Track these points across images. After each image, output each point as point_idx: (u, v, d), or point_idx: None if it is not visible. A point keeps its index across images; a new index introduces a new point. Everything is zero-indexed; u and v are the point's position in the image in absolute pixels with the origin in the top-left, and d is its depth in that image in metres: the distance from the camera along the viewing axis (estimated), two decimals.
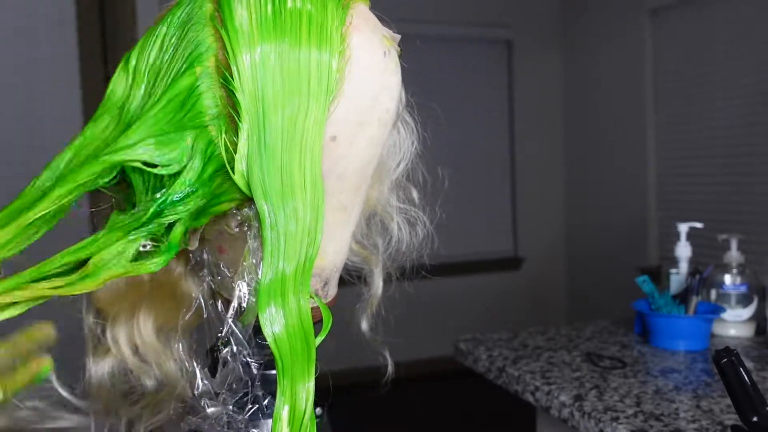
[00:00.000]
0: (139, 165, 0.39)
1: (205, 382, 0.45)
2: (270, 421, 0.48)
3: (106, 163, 0.38)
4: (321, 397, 0.47)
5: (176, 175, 0.39)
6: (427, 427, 3.21)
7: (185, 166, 0.39)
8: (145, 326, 0.50)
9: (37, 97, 2.79)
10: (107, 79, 0.41)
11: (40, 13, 2.78)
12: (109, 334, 0.50)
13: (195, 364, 0.48)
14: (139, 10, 2.88)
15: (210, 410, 0.45)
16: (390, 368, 0.60)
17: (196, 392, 0.46)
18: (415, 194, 0.56)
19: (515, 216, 4.21)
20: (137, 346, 0.50)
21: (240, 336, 0.46)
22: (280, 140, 0.39)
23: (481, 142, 4.12)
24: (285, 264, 0.40)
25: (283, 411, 0.40)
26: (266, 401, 0.48)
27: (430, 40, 3.82)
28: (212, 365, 0.49)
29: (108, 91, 0.41)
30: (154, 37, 0.41)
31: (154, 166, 0.39)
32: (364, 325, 0.57)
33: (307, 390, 0.40)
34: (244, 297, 0.43)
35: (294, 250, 0.40)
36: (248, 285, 0.43)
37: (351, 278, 0.56)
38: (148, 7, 2.83)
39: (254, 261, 0.42)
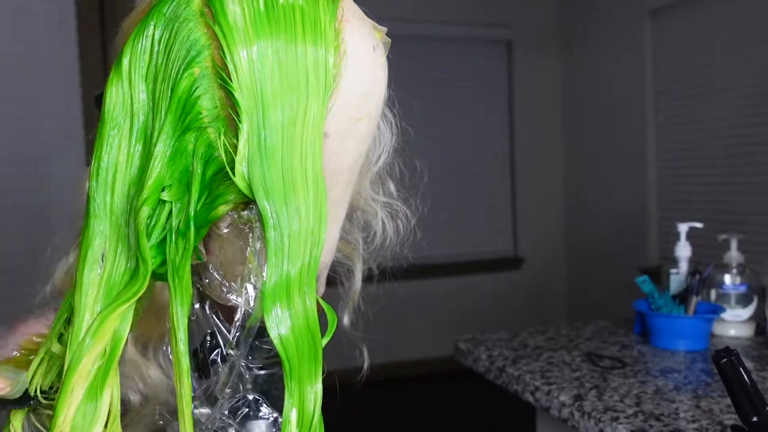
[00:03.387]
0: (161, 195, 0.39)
1: (196, 385, 0.45)
2: (261, 422, 0.47)
3: (150, 206, 0.39)
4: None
5: (188, 185, 0.39)
6: (427, 427, 3.21)
7: (192, 174, 0.39)
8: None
9: (37, 97, 2.79)
10: (107, 79, 0.40)
11: (40, 13, 2.78)
12: None
13: None
14: None
15: (203, 412, 0.44)
16: (366, 365, 0.59)
17: None
18: (392, 188, 0.55)
19: (515, 216, 4.21)
20: None
21: (228, 336, 0.45)
22: (281, 139, 0.39)
23: (481, 142, 4.12)
24: (289, 265, 0.39)
25: (292, 414, 0.39)
26: (256, 404, 0.47)
27: (430, 40, 3.83)
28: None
29: (106, 105, 0.39)
30: (143, 38, 0.39)
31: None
32: (346, 320, 0.57)
33: (314, 392, 0.39)
34: (251, 299, 0.43)
35: (298, 250, 0.39)
36: (255, 287, 0.43)
37: (338, 276, 0.56)
38: None
39: (258, 263, 0.42)
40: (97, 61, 2.81)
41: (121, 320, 0.38)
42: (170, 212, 0.39)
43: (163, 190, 0.39)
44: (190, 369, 0.39)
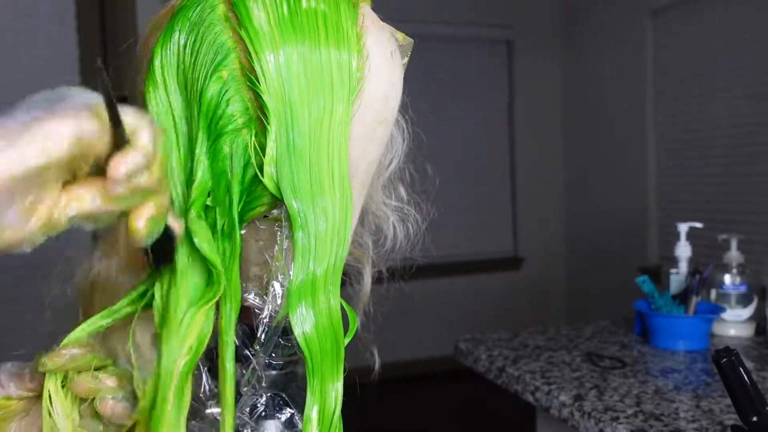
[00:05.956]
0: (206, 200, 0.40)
1: (211, 384, 0.45)
2: (271, 422, 0.48)
3: (197, 209, 0.39)
4: None
5: (228, 186, 0.40)
6: (427, 427, 3.21)
7: (231, 176, 0.40)
8: (143, 335, 0.47)
9: None
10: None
11: (40, 13, 2.78)
12: (103, 347, 0.47)
13: (201, 367, 0.47)
14: (139, 10, 2.88)
15: (216, 412, 0.45)
16: (377, 366, 0.60)
17: (201, 395, 0.46)
18: (403, 192, 0.56)
19: (515, 216, 4.21)
20: (132, 356, 0.49)
21: (244, 337, 0.45)
22: (308, 141, 0.39)
23: (481, 143, 4.12)
24: (316, 265, 0.40)
25: (313, 411, 0.39)
26: (273, 402, 0.48)
27: (430, 40, 3.82)
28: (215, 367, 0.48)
29: (149, 113, 0.40)
30: (171, 43, 0.40)
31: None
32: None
33: (336, 390, 0.40)
34: (278, 297, 0.43)
35: (324, 250, 0.40)
36: (282, 286, 0.43)
37: (347, 279, 0.56)
38: (148, 7, 2.83)
39: (286, 262, 0.42)
40: (97, 61, 2.80)
41: (205, 318, 0.39)
42: (215, 215, 0.40)
43: (208, 195, 0.39)
44: (234, 373, 0.40)
